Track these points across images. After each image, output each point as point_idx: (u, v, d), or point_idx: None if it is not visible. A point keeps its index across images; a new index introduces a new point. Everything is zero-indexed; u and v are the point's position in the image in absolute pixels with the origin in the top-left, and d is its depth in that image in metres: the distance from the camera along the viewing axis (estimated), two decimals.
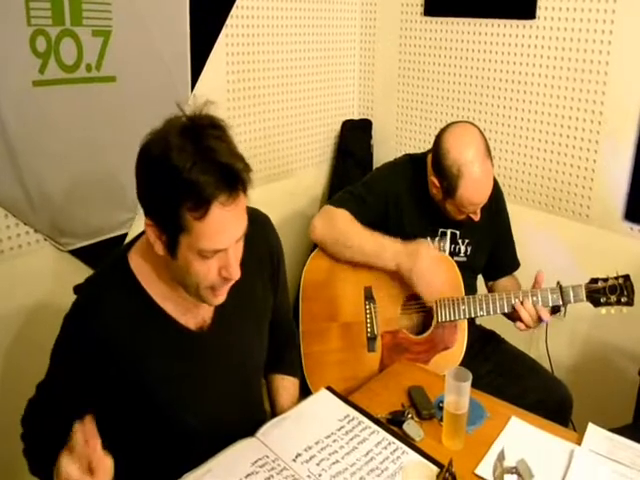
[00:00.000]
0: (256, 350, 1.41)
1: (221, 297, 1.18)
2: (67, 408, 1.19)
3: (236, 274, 1.12)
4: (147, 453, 1.30)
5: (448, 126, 1.81)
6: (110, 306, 1.17)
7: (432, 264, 1.74)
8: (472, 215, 1.80)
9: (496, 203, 1.94)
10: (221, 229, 1.06)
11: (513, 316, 1.78)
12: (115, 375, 1.18)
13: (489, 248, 1.98)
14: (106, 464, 1.01)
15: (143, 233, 1.22)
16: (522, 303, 1.72)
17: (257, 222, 1.36)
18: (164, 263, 1.15)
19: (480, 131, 1.77)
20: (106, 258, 1.28)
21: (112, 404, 1.21)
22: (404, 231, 1.86)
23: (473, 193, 1.73)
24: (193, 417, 1.27)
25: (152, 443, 1.29)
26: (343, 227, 1.81)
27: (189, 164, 1.00)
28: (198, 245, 1.06)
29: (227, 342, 1.30)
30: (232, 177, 1.04)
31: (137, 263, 1.20)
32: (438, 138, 1.79)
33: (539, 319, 1.72)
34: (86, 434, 0.99)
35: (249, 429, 1.35)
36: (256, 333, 1.40)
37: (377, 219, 1.86)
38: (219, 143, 1.05)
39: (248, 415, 1.40)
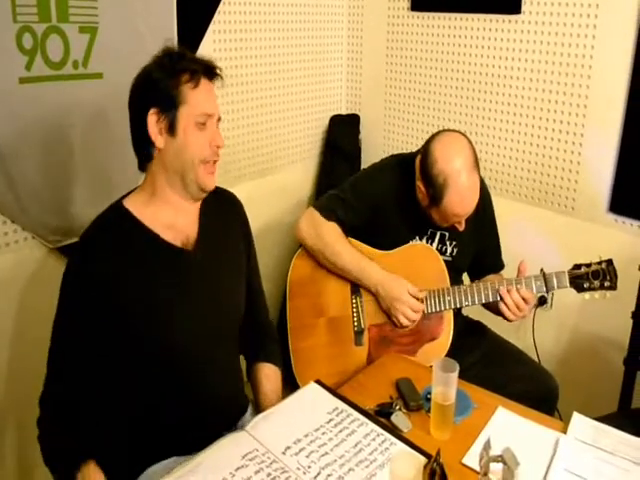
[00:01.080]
0: (234, 294, 1.52)
1: (212, 176, 1.39)
2: (79, 356, 1.32)
3: (221, 141, 1.38)
4: (138, 389, 1.39)
5: (438, 133, 1.81)
6: (104, 238, 1.34)
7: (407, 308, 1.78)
8: (456, 225, 1.82)
9: (484, 209, 1.95)
10: (209, 96, 1.36)
11: (499, 308, 1.80)
12: (111, 299, 1.30)
13: (474, 251, 2.00)
14: None
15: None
16: (508, 291, 1.75)
17: (227, 195, 1.58)
18: (158, 176, 1.37)
19: (470, 142, 1.77)
20: None
21: (111, 335, 1.32)
22: (393, 233, 1.88)
23: (458, 205, 1.74)
24: (179, 332, 1.37)
25: (142, 372, 1.37)
26: (329, 243, 1.85)
27: (177, 60, 1.35)
28: (195, 110, 1.32)
29: (209, 264, 1.43)
30: (207, 65, 1.37)
31: (130, 201, 1.39)
32: (427, 145, 1.80)
33: (525, 303, 1.74)
34: None
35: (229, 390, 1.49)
36: (235, 279, 1.53)
37: (364, 223, 1.89)
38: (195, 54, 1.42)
39: (226, 350, 1.49)
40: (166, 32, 2.03)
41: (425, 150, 1.79)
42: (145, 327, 1.33)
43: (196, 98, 1.33)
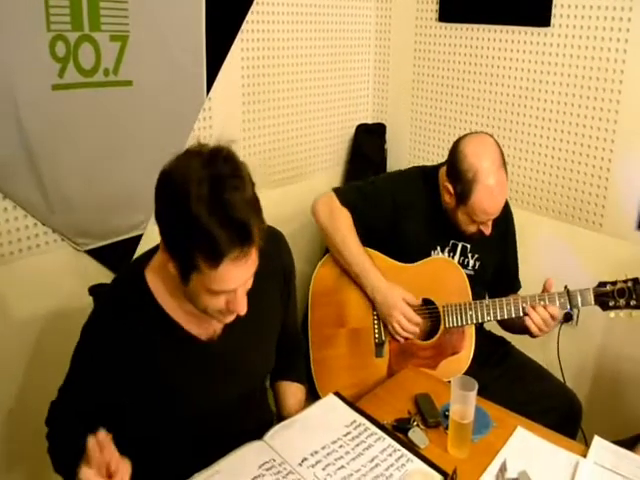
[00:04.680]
0: (261, 363, 1.45)
1: (230, 319, 1.23)
2: (86, 410, 1.26)
3: (242, 309, 1.17)
4: (157, 452, 1.34)
5: (466, 135, 1.83)
6: (126, 320, 1.23)
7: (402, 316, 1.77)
8: (483, 227, 1.80)
9: (506, 224, 1.96)
10: (230, 278, 1.10)
11: (522, 325, 1.78)
12: (128, 382, 1.24)
13: (495, 266, 1.98)
14: (124, 468, 1.07)
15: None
16: (533, 307, 1.72)
17: (271, 239, 1.37)
18: (177, 280, 1.19)
19: (497, 142, 1.79)
20: (123, 269, 1.34)
21: (125, 407, 1.26)
22: (413, 241, 1.88)
23: (486, 201, 1.73)
24: (200, 420, 1.32)
25: (160, 442, 1.34)
26: (340, 229, 1.84)
27: (205, 215, 1.02)
28: (207, 286, 1.11)
29: (236, 350, 1.34)
30: (245, 234, 1.06)
31: (153, 278, 1.25)
32: (455, 145, 1.81)
33: (551, 318, 1.71)
34: (100, 444, 1.05)
35: (254, 430, 1.39)
36: (264, 346, 1.45)
37: (383, 225, 1.89)
38: (236, 195, 1.05)
39: (251, 415, 1.44)
40: (195, 42, 2.05)
41: (453, 149, 1.80)
42: (162, 407, 1.27)
43: (212, 277, 1.09)
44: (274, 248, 1.42)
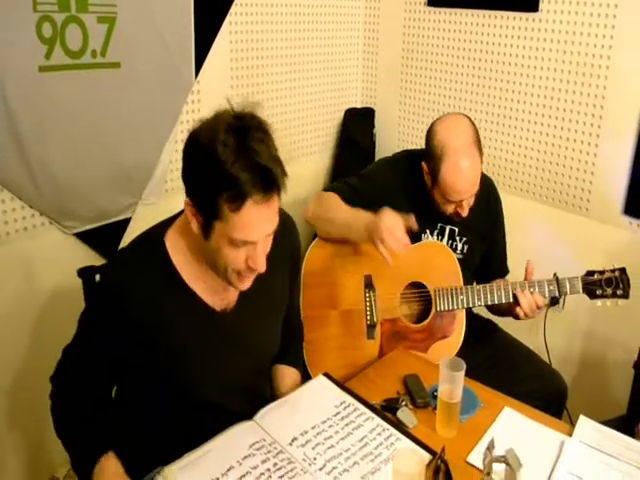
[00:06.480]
0: (271, 340, 1.47)
1: (246, 283, 1.25)
2: (94, 370, 1.29)
3: (261, 267, 1.20)
4: (158, 421, 1.36)
5: (441, 116, 1.84)
6: (140, 282, 1.23)
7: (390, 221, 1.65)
8: (458, 209, 1.80)
9: (496, 208, 1.97)
10: (252, 224, 1.13)
11: (509, 309, 1.80)
12: (139, 346, 1.25)
13: (484, 250, 1.99)
14: None
15: (183, 212, 1.28)
16: (523, 291, 1.74)
17: (285, 222, 1.41)
18: (198, 242, 1.21)
19: (472, 122, 1.78)
20: (144, 232, 1.33)
21: (133, 371, 1.29)
22: None
23: (454, 177, 1.72)
24: (205, 391, 1.33)
25: (164, 410, 1.35)
26: (328, 204, 1.84)
27: (231, 159, 1.07)
28: (230, 234, 1.13)
29: (247, 323, 1.36)
30: (269, 180, 1.11)
31: (173, 242, 1.27)
32: (430, 125, 1.82)
33: (537, 307, 1.74)
34: None
35: (251, 412, 1.39)
36: (273, 324, 1.47)
37: (368, 209, 1.87)
38: (261, 145, 1.11)
39: (252, 398, 1.44)
40: (183, 24, 2.04)
41: (428, 129, 1.82)
42: (169, 376, 1.29)
43: (235, 223, 1.11)
44: (287, 230, 1.44)
